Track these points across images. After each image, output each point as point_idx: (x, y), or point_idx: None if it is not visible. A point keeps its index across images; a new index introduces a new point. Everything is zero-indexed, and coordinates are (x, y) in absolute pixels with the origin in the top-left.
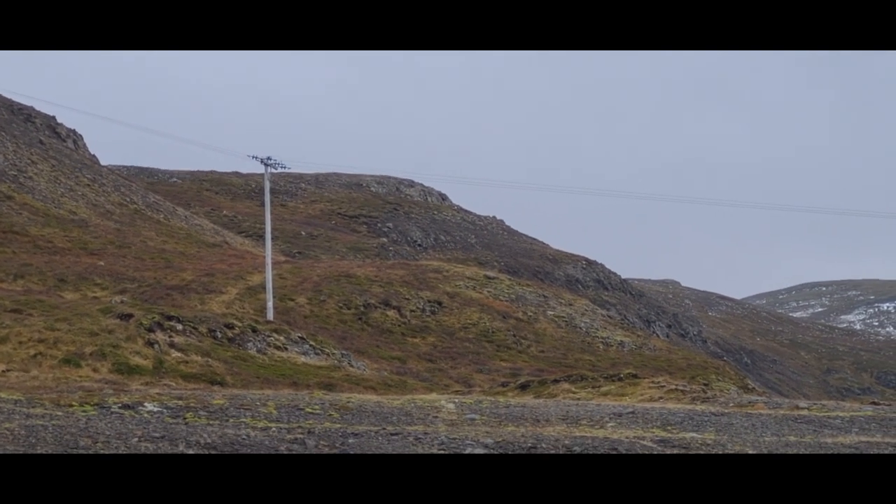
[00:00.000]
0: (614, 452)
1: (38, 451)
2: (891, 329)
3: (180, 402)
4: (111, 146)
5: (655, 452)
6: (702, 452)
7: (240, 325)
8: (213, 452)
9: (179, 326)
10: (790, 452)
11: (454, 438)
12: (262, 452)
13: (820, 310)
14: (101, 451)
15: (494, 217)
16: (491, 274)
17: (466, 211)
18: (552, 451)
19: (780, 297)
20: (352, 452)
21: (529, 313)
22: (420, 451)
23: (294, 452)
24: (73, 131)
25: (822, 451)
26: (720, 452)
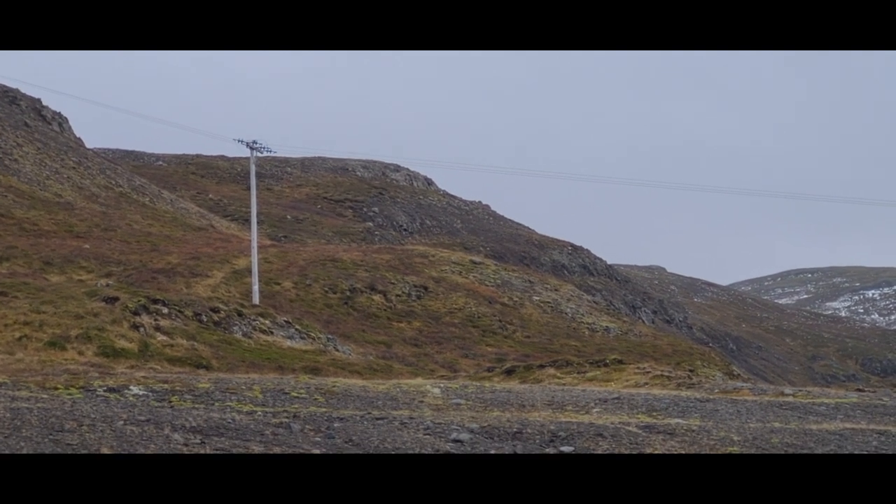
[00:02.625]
0: (611, 452)
1: (23, 434)
2: (876, 316)
3: (166, 386)
4: (97, 129)
5: (648, 452)
6: (697, 452)
7: (225, 308)
8: (201, 451)
9: (165, 310)
10: (776, 439)
11: (440, 423)
12: (248, 438)
13: (805, 296)
14: (87, 434)
15: (480, 202)
16: (477, 259)
17: (452, 196)
18: (538, 437)
19: (766, 283)
20: (342, 446)
21: (515, 298)
22: (405, 435)
23: (283, 453)
24: (59, 114)
25: (808, 437)
26: (712, 452)
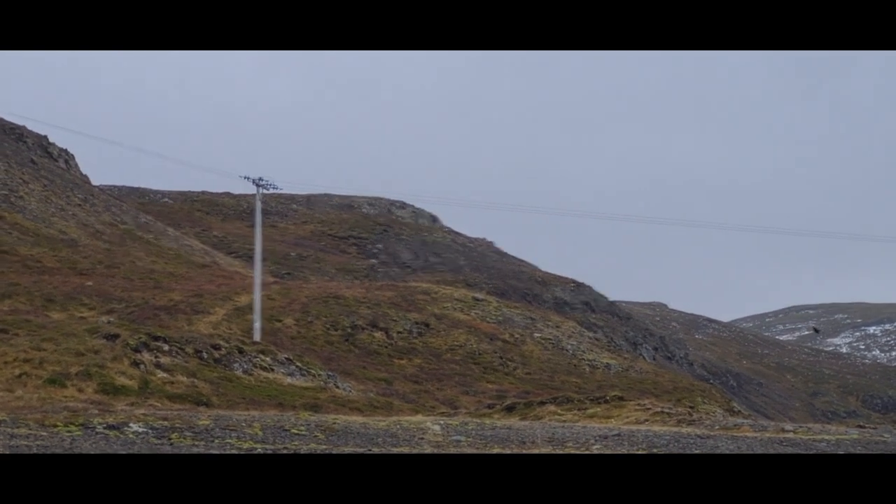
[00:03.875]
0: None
1: None
2: (877, 352)
3: (166, 423)
4: (103, 165)
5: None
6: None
7: (226, 345)
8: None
9: (166, 347)
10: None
11: None
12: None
13: (806, 332)
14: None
15: (484, 239)
16: (479, 296)
17: (457, 233)
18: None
19: (767, 319)
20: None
21: (516, 335)
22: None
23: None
24: (65, 150)
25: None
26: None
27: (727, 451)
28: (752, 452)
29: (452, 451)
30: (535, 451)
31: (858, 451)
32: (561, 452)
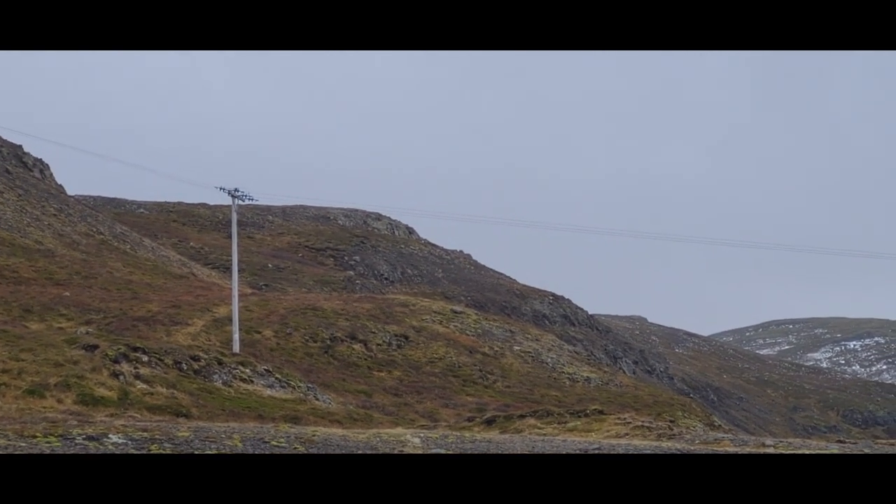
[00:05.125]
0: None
1: None
2: (857, 367)
3: (145, 434)
4: (78, 175)
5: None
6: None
7: (206, 357)
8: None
9: (145, 358)
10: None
11: None
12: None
13: (787, 347)
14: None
15: (461, 251)
16: (458, 308)
17: (433, 245)
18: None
19: (747, 334)
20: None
21: (496, 348)
22: None
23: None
24: (40, 160)
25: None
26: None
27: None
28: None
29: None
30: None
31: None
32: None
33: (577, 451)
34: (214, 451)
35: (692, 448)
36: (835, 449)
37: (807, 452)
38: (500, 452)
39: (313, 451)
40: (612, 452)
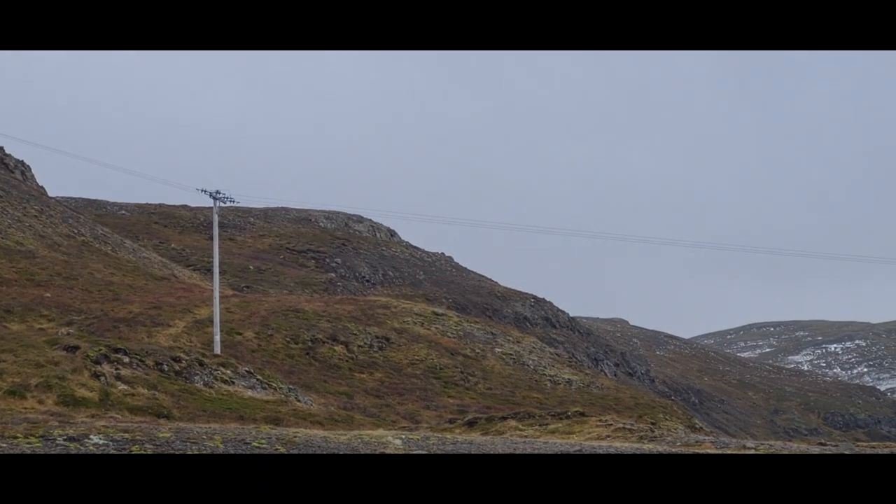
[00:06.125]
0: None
1: None
2: (838, 370)
3: (126, 435)
4: (60, 177)
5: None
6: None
7: (187, 358)
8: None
9: (126, 359)
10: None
11: None
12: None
13: (768, 350)
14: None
15: (443, 254)
16: (439, 310)
17: (415, 247)
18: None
19: (729, 336)
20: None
21: (477, 350)
22: None
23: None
24: (22, 162)
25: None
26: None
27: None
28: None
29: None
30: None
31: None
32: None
33: (558, 452)
34: (196, 452)
35: (674, 450)
36: (816, 451)
37: (787, 453)
38: (476, 453)
39: (294, 452)
40: (593, 453)
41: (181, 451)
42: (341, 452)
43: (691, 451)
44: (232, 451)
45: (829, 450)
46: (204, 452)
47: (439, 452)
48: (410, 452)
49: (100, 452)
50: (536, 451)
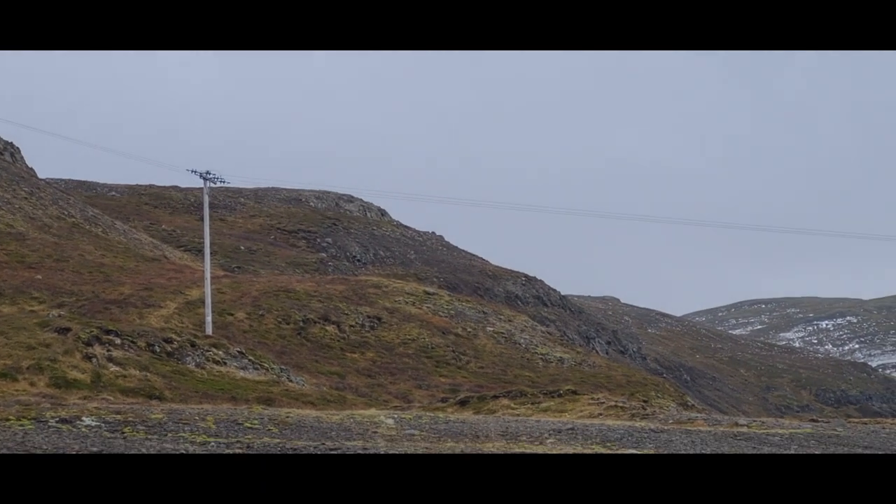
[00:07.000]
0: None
1: None
2: (829, 347)
3: (118, 417)
4: (49, 159)
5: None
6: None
7: (178, 339)
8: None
9: (118, 340)
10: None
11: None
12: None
13: (759, 327)
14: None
15: (434, 233)
16: (430, 290)
17: (406, 226)
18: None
19: (720, 314)
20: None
21: (469, 329)
22: None
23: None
24: (11, 144)
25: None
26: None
27: (680, 442)
28: (746, 453)
29: (406, 444)
30: (516, 451)
31: (812, 445)
32: (544, 452)
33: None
34: (188, 433)
35: (666, 427)
36: (808, 428)
37: (787, 453)
38: (473, 453)
39: (287, 432)
40: (591, 452)
41: (173, 433)
42: (333, 433)
43: (683, 428)
44: (224, 432)
45: (821, 426)
46: (201, 452)
47: (438, 452)
48: (409, 453)
49: (100, 452)
50: (521, 430)
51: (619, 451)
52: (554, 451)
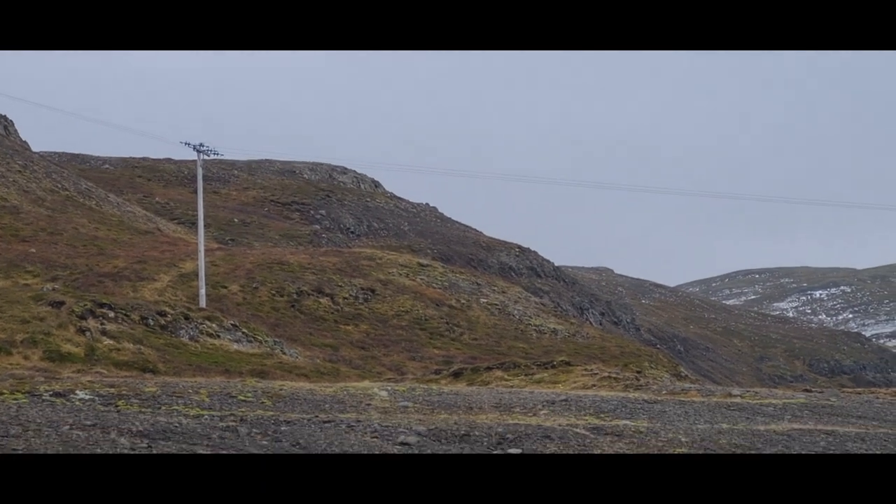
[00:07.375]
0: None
1: None
2: (823, 316)
3: (112, 390)
4: (42, 132)
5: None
6: (645, 453)
7: (172, 312)
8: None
9: (111, 314)
10: (724, 440)
11: (387, 426)
12: (194, 442)
13: (753, 297)
14: (33, 439)
15: (427, 204)
16: (424, 261)
17: (399, 198)
18: (486, 439)
19: (714, 284)
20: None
21: (462, 301)
22: (352, 438)
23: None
24: (4, 117)
25: (755, 438)
26: (660, 453)
27: (673, 412)
28: (746, 453)
29: (400, 416)
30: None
31: (805, 415)
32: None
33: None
34: (182, 406)
35: (659, 398)
36: (801, 398)
37: (787, 453)
38: (469, 453)
39: (280, 405)
40: (591, 453)
41: (166, 406)
42: (327, 405)
43: (677, 399)
44: (218, 405)
45: (815, 396)
46: (201, 453)
47: (439, 452)
48: (410, 452)
49: (98, 452)
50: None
51: (618, 452)
52: (553, 453)
